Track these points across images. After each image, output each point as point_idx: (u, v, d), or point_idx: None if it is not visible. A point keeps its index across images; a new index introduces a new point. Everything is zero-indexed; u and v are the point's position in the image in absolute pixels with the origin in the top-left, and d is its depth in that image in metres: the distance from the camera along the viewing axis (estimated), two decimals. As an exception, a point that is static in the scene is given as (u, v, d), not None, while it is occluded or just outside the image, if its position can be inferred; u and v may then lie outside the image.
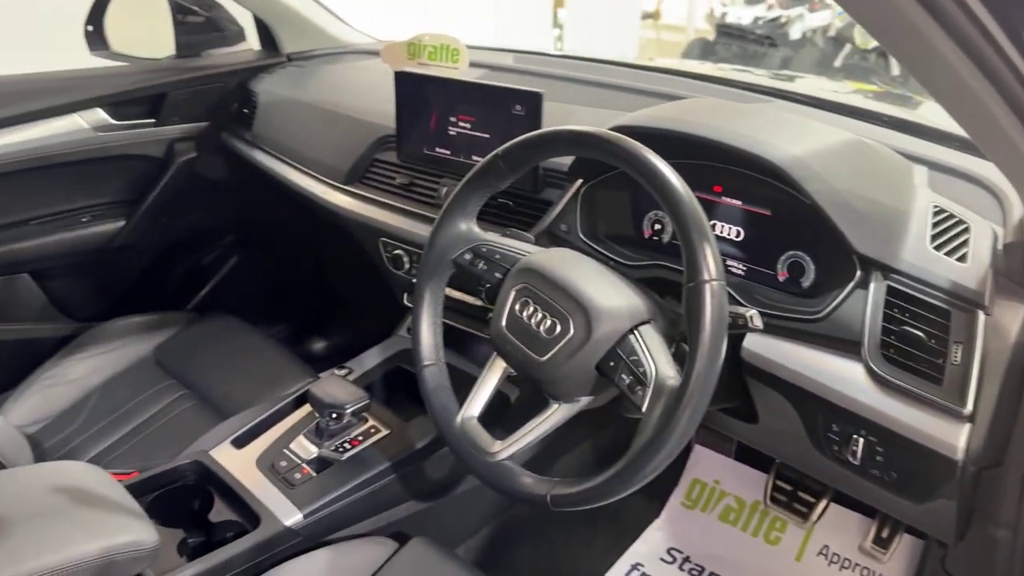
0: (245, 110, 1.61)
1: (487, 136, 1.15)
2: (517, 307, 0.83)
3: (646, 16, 5.76)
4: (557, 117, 1.13)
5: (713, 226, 0.95)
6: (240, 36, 1.73)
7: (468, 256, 0.91)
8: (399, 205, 1.27)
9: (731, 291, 0.90)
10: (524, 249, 0.90)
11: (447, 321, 1.29)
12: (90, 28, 1.62)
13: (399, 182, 1.28)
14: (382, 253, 1.32)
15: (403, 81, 1.22)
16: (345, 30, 1.76)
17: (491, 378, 0.89)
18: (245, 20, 1.73)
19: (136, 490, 1.07)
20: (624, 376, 0.76)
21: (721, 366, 0.70)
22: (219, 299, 1.80)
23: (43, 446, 1.31)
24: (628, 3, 5.04)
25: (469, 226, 0.93)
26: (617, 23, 4.84)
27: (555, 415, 0.82)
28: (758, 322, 0.77)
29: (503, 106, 1.12)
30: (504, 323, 0.84)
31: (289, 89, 1.57)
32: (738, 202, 0.94)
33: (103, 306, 1.66)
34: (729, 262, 0.96)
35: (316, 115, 1.45)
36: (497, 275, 0.89)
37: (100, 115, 1.52)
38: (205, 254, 1.81)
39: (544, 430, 0.82)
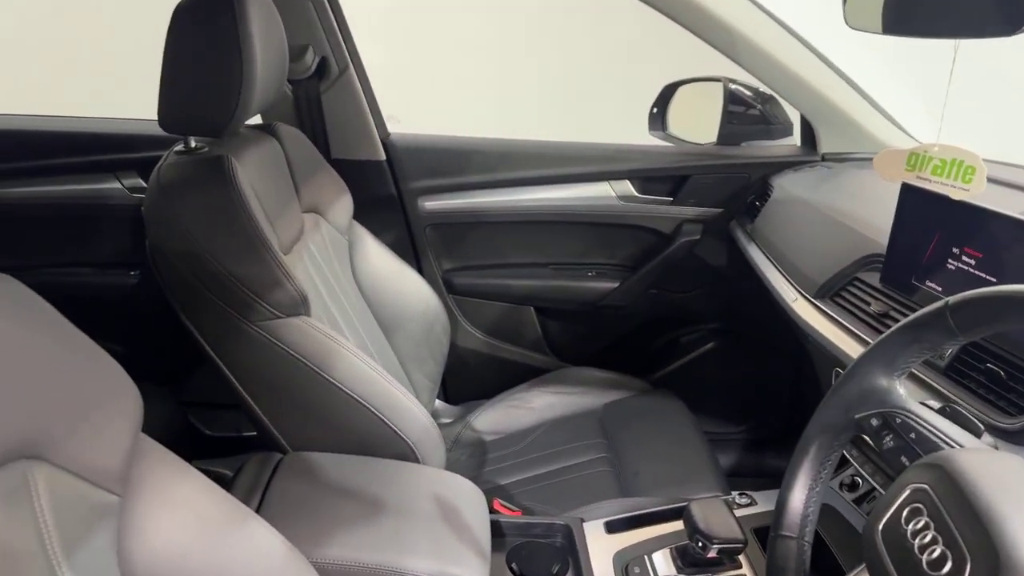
0: (757, 203, 1.57)
1: (993, 280, 0.88)
2: (905, 513, 0.61)
3: None
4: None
5: None
6: (786, 131, 1.70)
7: (876, 422, 0.70)
8: (866, 336, 1.06)
9: None
10: (955, 439, 0.65)
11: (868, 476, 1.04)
12: (655, 111, 1.80)
13: (874, 309, 1.07)
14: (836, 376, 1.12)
15: (909, 195, 1.02)
16: (896, 135, 1.56)
17: (852, 589, 0.67)
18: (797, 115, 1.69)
19: (509, 530, 1.14)
20: None
21: None
22: (683, 379, 1.80)
23: (487, 455, 1.50)
24: None
25: (890, 384, 0.71)
26: None
27: None
28: None
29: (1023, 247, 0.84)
30: (882, 525, 0.62)
31: (804, 188, 1.47)
32: None
33: (580, 352, 1.82)
34: None
35: (814, 219, 1.32)
36: (903, 459, 0.66)
37: (627, 186, 1.67)
38: (684, 334, 1.82)
39: None
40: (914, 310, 1.02)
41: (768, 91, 1.63)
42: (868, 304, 1.09)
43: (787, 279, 1.29)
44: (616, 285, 1.73)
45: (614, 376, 1.67)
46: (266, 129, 1.27)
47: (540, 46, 2.55)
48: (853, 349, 1.08)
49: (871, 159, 1.52)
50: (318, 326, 1.06)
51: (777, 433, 1.81)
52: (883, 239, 1.10)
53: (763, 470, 1.79)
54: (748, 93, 1.66)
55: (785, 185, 1.53)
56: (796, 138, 1.69)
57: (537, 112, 2.31)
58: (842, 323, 1.12)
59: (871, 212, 1.21)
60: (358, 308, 1.38)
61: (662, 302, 1.76)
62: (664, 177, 1.67)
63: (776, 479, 1.40)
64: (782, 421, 1.81)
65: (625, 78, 2.42)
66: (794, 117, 1.68)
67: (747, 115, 1.67)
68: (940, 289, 0.97)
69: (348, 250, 1.42)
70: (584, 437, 1.49)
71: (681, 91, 1.79)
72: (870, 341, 1.05)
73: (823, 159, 1.60)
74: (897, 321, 1.04)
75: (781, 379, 1.77)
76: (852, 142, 1.58)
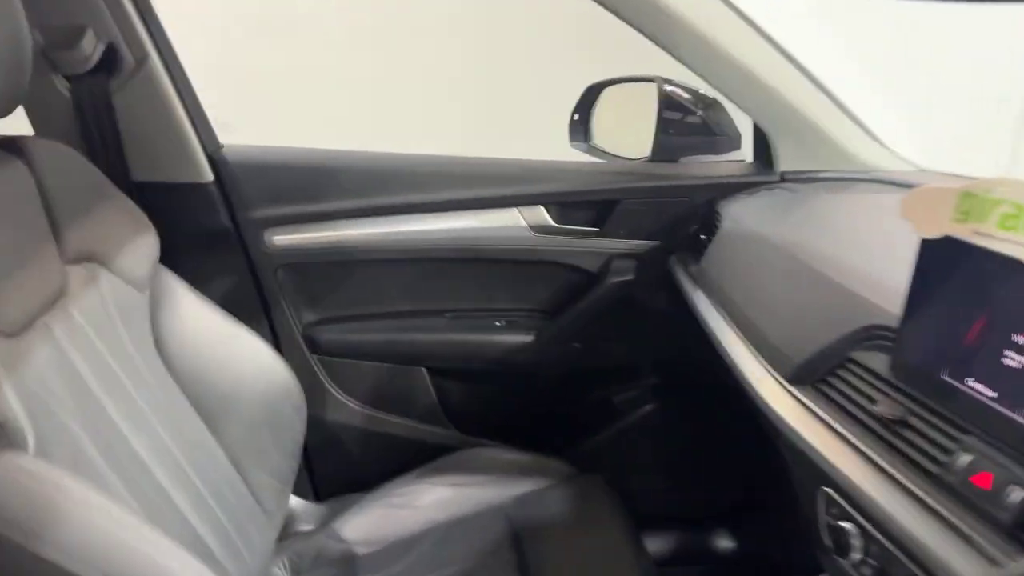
0: (702, 235, 1.23)
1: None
2: None
3: None
4: None
5: None
6: (733, 144, 1.37)
7: None
8: (869, 450, 0.72)
9: None
10: None
11: None
12: (576, 117, 1.46)
13: (882, 411, 0.73)
14: (819, 511, 0.78)
15: (937, 249, 0.68)
16: (875, 151, 1.25)
17: None
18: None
19: None
20: None
21: None
22: (616, 450, 1.45)
23: (356, 579, 1.12)
24: None
25: None
26: None
27: None
28: None
29: None
30: None
31: (763, 220, 1.14)
32: None
33: (486, 423, 1.45)
34: None
35: (781, 265, 0.98)
36: None
37: (541, 214, 1.32)
38: (616, 393, 1.47)
39: None
40: (946, 420, 0.69)
41: (711, 93, 1.30)
42: (872, 401, 0.75)
43: (748, 348, 0.95)
44: (531, 338, 1.37)
45: (528, 458, 1.30)
46: (8, 147, 0.86)
47: (430, 34, 2.11)
48: (851, 466, 0.74)
49: (843, 180, 1.21)
50: (28, 466, 0.66)
51: (733, 509, 1.48)
52: (889, 305, 0.77)
53: (714, 554, 1.47)
54: (686, 95, 1.33)
55: (737, 214, 1.19)
56: (744, 153, 1.37)
57: (425, 118, 1.93)
58: (832, 424, 0.78)
59: (865, 260, 0.88)
60: (159, 394, 0.98)
61: (589, 356, 1.40)
62: (587, 202, 1.32)
63: (732, 565, 1.06)
64: (739, 494, 1.48)
65: (538, 78, 2.08)
66: (742, 126, 1.36)
67: (685, 123, 1.34)
68: (994, 395, 0.63)
69: (148, 310, 1.02)
70: (485, 550, 1.12)
71: (608, 93, 1.46)
72: (875, 458, 0.71)
73: (783, 179, 1.28)
74: (917, 431, 0.70)
75: (735, 441, 1.43)
76: (818, 158, 1.26)
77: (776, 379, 0.87)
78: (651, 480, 1.43)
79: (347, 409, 1.39)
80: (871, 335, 0.78)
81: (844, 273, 0.87)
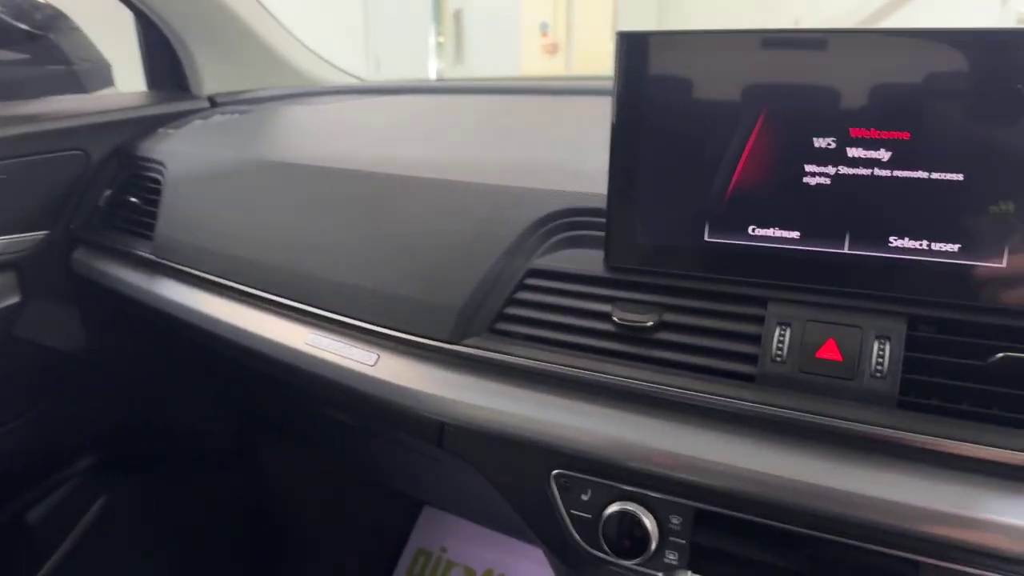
0: (133, 199, 0.76)
1: (958, 179, 0.41)
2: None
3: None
4: None
5: None
6: (104, 76, 0.93)
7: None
8: (611, 377, 0.47)
9: None
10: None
11: None
12: None
13: (625, 318, 0.49)
14: (556, 497, 0.50)
15: (648, 52, 0.46)
16: (319, 66, 0.99)
17: None
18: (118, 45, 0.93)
19: None
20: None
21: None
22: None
23: None
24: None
25: None
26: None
27: None
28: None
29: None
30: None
31: (241, 148, 0.75)
32: None
33: None
34: None
35: (338, 191, 0.63)
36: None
37: None
38: (32, 504, 0.86)
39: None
40: (727, 296, 0.48)
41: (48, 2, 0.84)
42: (593, 314, 0.50)
43: (343, 323, 0.58)
44: None
45: None
46: None
47: None
48: (581, 421, 0.48)
49: (301, 96, 0.92)
50: None
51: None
52: (555, 183, 0.54)
53: None
54: (11, 8, 0.84)
55: (184, 152, 0.77)
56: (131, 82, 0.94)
57: None
58: (543, 371, 0.50)
59: (469, 153, 0.61)
60: None
61: None
62: None
63: None
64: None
65: None
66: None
67: (25, 50, 0.85)
68: (796, 235, 0.45)
69: None
70: None
71: None
72: (641, 387, 0.47)
73: (214, 103, 0.91)
74: (695, 330, 0.48)
75: (253, 510, 1.01)
76: (250, 77, 0.93)
77: (431, 346, 0.53)
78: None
79: None
80: (553, 229, 0.53)
81: (454, 169, 0.59)
